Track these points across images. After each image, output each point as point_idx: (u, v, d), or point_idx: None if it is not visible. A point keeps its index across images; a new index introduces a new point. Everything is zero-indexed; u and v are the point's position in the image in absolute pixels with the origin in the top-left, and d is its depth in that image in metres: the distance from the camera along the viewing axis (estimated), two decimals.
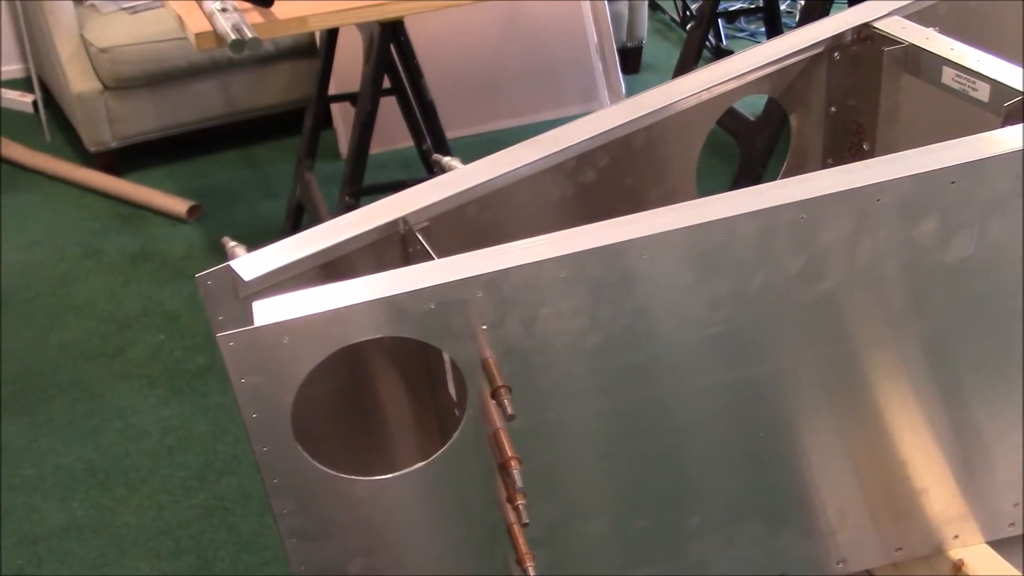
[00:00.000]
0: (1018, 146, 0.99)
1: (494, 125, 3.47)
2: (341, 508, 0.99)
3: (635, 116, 1.15)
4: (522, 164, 1.09)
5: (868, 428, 1.11)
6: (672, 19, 4.33)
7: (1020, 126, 1.02)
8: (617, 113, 1.15)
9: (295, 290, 0.92)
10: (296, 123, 3.11)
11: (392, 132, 3.18)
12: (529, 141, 1.12)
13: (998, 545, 1.22)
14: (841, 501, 1.14)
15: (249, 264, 0.98)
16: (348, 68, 3.03)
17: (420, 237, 1.01)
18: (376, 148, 3.07)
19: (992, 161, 0.98)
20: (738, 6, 4.05)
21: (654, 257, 0.95)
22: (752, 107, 3.03)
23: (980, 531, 1.20)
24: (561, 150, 1.12)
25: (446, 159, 1.10)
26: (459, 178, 1.07)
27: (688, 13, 4.12)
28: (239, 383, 0.90)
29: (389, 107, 2.76)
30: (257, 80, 3.42)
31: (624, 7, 3.76)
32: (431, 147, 2.77)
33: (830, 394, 1.08)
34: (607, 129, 1.14)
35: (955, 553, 1.20)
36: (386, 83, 2.66)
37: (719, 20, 3.67)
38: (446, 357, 1.02)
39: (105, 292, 2.96)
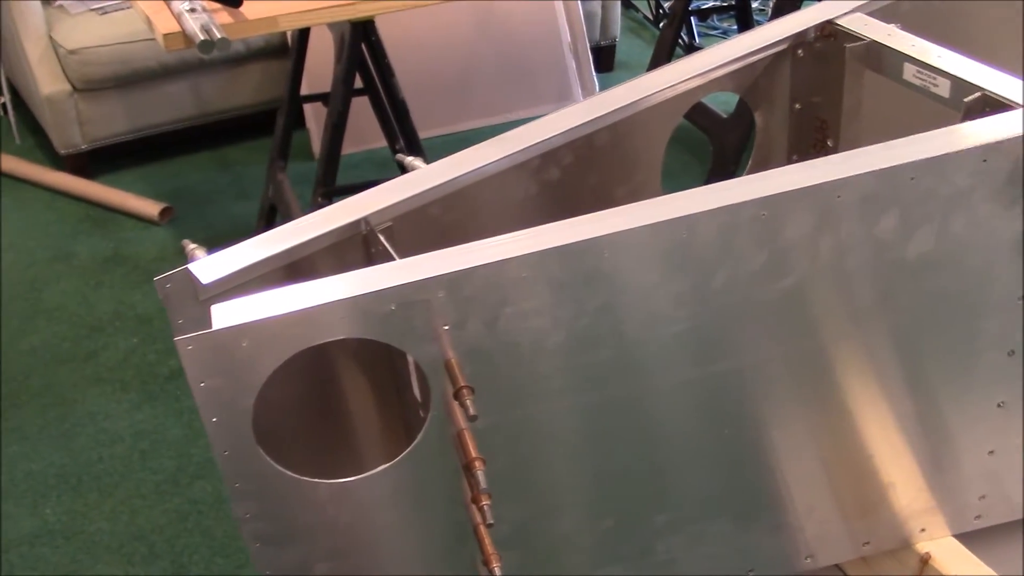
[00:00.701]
0: (977, 142, 0.99)
1: (467, 125, 3.46)
2: (305, 511, 0.98)
3: (599, 114, 1.15)
4: (485, 163, 1.09)
5: (834, 423, 1.11)
6: (645, 17, 4.34)
7: (979, 121, 1.03)
8: (580, 111, 1.15)
9: (257, 292, 0.91)
10: (268, 124, 3.09)
11: (365, 132, 3.17)
12: (492, 140, 1.12)
13: (965, 538, 1.22)
14: (808, 496, 1.15)
15: (208, 267, 0.97)
16: (320, 68, 3.02)
17: (381, 238, 1.00)
18: (349, 148, 3.06)
19: (951, 157, 0.99)
20: (710, 4, 4.06)
21: (616, 256, 0.95)
22: (725, 104, 3.05)
23: (947, 524, 1.21)
24: (524, 148, 1.12)
25: (409, 159, 1.10)
26: (421, 178, 1.06)
27: (661, 11, 4.12)
28: (198, 387, 0.89)
29: (362, 107, 2.74)
30: (229, 81, 3.40)
31: (597, 6, 3.76)
32: (403, 147, 2.76)
33: (796, 390, 1.09)
34: (571, 127, 1.14)
35: (922, 546, 1.20)
36: (359, 83, 2.65)
37: (691, 18, 3.67)
38: (410, 358, 1.01)
39: (76, 296, 2.94)
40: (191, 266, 0.97)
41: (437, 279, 0.91)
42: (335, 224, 1.02)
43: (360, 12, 2.38)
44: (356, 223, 1.03)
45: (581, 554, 1.10)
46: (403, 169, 1.10)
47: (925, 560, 1.20)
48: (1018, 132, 1.00)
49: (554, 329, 0.96)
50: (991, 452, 1.17)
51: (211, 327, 0.87)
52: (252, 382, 0.90)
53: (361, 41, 2.55)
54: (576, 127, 1.14)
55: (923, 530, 1.21)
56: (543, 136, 1.13)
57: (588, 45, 3.67)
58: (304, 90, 2.95)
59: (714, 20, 4.17)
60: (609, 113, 1.16)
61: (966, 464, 1.18)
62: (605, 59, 3.88)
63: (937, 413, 1.14)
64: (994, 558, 1.18)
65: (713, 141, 3.07)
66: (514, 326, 0.95)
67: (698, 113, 3.10)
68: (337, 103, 2.57)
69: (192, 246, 1.01)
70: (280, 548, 0.99)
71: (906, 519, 1.19)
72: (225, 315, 0.88)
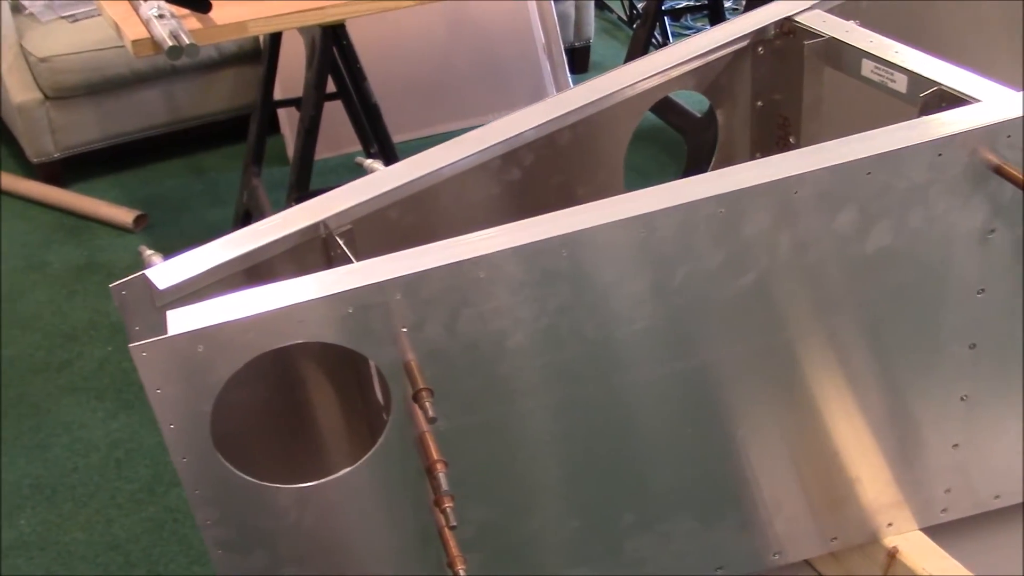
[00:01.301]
0: (932, 136, 1.00)
1: (442, 127, 3.46)
2: (267, 516, 0.97)
3: (559, 113, 1.15)
4: (444, 164, 1.09)
5: (800, 419, 1.12)
6: (619, 18, 4.35)
7: (934, 116, 1.03)
8: (541, 111, 1.15)
9: (214, 297, 0.90)
10: (242, 130, 3.08)
11: (339, 137, 3.16)
12: (452, 141, 1.12)
13: (932, 531, 1.23)
14: (775, 492, 1.15)
15: (165, 272, 0.97)
16: (293, 73, 3.01)
17: (340, 241, 1.00)
18: (324, 153, 3.05)
19: (907, 151, 0.99)
20: (683, 3, 4.07)
21: (574, 255, 0.95)
22: (700, 104, 3.05)
23: (914, 518, 1.21)
24: (485, 149, 1.11)
25: (368, 161, 1.10)
26: (380, 180, 1.06)
27: (634, 12, 4.13)
28: (155, 394, 0.88)
29: (337, 112, 2.74)
30: (202, 87, 3.38)
31: (571, 7, 3.76)
32: (378, 151, 2.76)
33: (761, 387, 1.09)
34: (531, 127, 1.14)
35: (889, 541, 1.21)
36: (332, 87, 2.64)
37: (665, 18, 3.68)
38: (371, 361, 1.01)
39: (50, 305, 2.92)
40: (147, 272, 0.97)
41: (394, 281, 0.90)
42: (293, 228, 1.01)
43: (330, 16, 2.37)
44: (315, 226, 1.02)
45: (548, 555, 1.10)
46: (363, 171, 1.10)
47: (892, 554, 1.20)
48: (973, 126, 1.01)
49: (514, 330, 0.96)
50: (955, 446, 1.18)
51: (167, 333, 0.87)
52: (209, 388, 0.89)
53: (332, 45, 2.54)
54: (537, 127, 1.14)
55: (890, 524, 1.21)
56: (504, 136, 1.12)
57: (562, 46, 3.68)
58: (277, 95, 2.94)
59: (687, 19, 4.19)
60: (570, 112, 1.16)
61: (931, 458, 1.18)
62: (579, 60, 3.88)
63: (901, 407, 1.15)
64: (961, 552, 1.19)
65: (687, 140, 3.08)
66: (473, 327, 0.95)
67: (672, 112, 3.11)
68: (309, 108, 2.56)
69: (149, 252, 1.01)
70: (243, 554, 0.99)
71: (873, 514, 1.20)
72: (180, 321, 0.87)
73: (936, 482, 1.20)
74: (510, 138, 1.12)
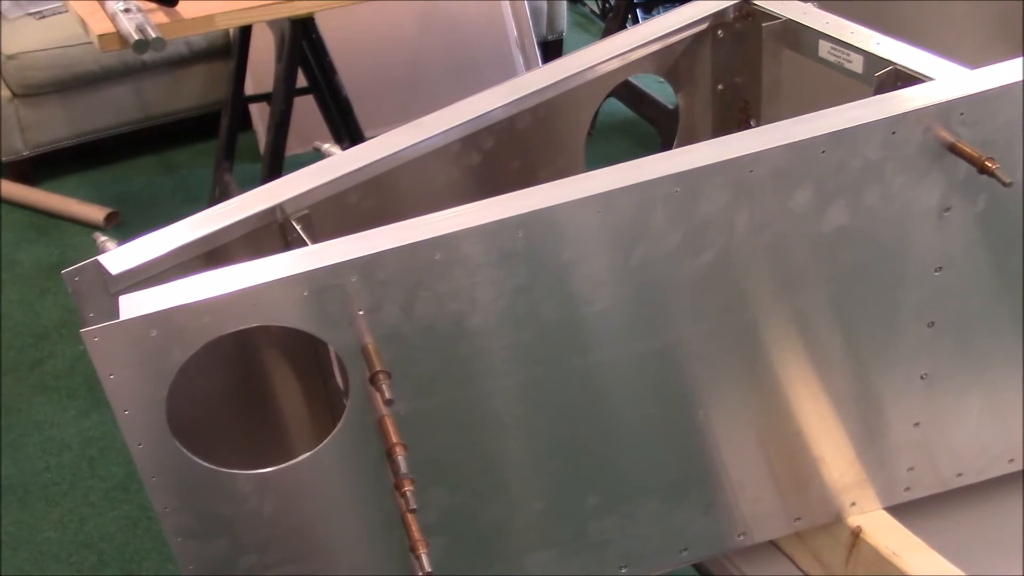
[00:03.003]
0: (885, 114, 1.00)
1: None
2: (226, 503, 0.97)
3: (518, 96, 1.15)
4: (403, 148, 1.08)
5: (761, 399, 1.12)
6: (592, 11, 4.36)
7: (888, 94, 1.04)
8: (500, 94, 1.15)
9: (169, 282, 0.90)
10: (214, 126, 3.07)
11: (312, 132, 3.14)
12: (410, 124, 1.12)
13: (896, 510, 1.24)
14: (738, 473, 1.15)
15: (118, 258, 0.96)
16: (264, 68, 3.00)
17: (296, 225, 1.00)
18: (296, 149, 3.04)
19: (860, 129, 1.00)
20: None
21: (531, 235, 0.94)
22: (672, 96, 3.05)
23: (877, 497, 1.22)
24: (443, 132, 1.11)
25: (325, 145, 1.09)
26: (336, 163, 1.06)
27: (607, 5, 4.14)
28: (108, 379, 0.88)
29: (309, 107, 2.73)
30: (172, 83, 3.37)
31: (543, 1, 3.77)
32: (349, 145, 2.75)
33: (722, 366, 1.09)
34: (490, 110, 1.13)
35: (853, 520, 1.21)
36: (302, 82, 2.64)
37: (637, 10, 3.69)
38: (329, 345, 1.00)
39: (21, 304, 2.90)
40: (100, 257, 0.96)
41: (349, 263, 0.90)
42: (250, 212, 1.01)
43: (298, 9, 2.36)
44: (271, 211, 1.02)
45: (512, 538, 1.10)
46: (320, 156, 1.10)
47: (856, 533, 1.21)
48: (926, 104, 1.01)
49: (472, 311, 0.96)
50: (916, 424, 1.18)
51: (119, 318, 0.86)
52: (164, 373, 0.89)
53: (301, 39, 2.53)
54: (495, 110, 1.14)
55: (854, 504, 1.21)
56: (462, 119, 1.12)
57: (535, 40, 3.68)
58: (248, 90, 2.93)
59: (660, 11, 4.19)
60: (529, 95, 1.16)
61: (893, 437, 1.19)
62: (553, 54, 3.89)
63: (862, 386, 1.15)
64: (926, 530, 1.20)
65: (660, 132, 3.09)
66: (431, 309, 0.94)
67: (645, 104, 3.12)
68: (279, 102, 2.56)
69: (103, 238, 1.00)
70: (203, 542, 0.98)
71: (836, 493, 1.20)
72: (133, 305, 0.87)
73: (899, 461, 1.21)
74: (469, 120, 1.12)
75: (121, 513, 2.26)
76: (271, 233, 1.04)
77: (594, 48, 1.23)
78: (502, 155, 1.17)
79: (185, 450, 0.92)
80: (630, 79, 1.34)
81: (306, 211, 1.03)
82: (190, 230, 1.00)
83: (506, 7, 3.60)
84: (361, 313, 0.92)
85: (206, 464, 0.93)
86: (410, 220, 0.93)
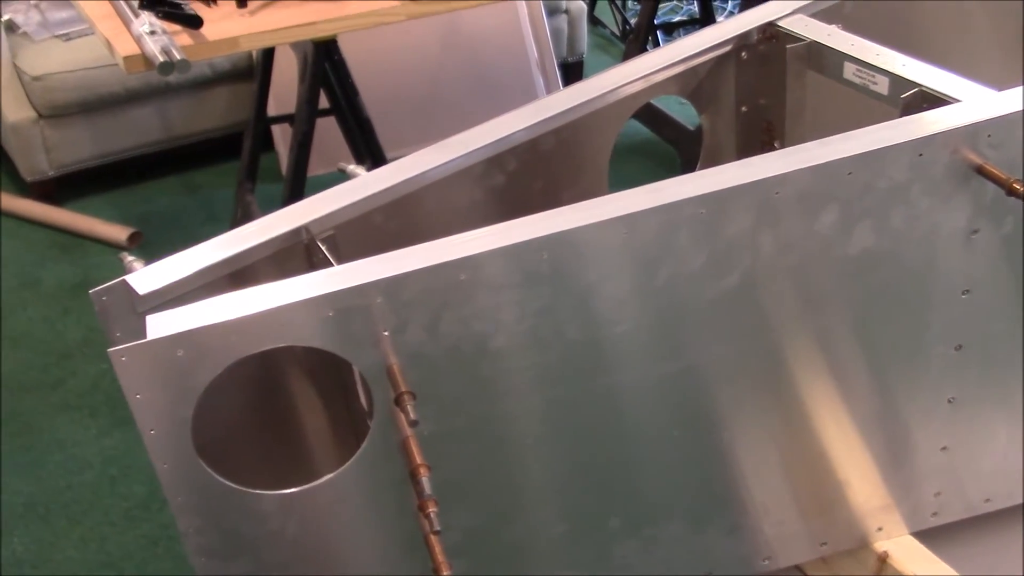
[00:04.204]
0: (912, 135, 1.00)
1: (436, 143, 3.47)
2: (250, 523, 0.97)
3: (542, 118, 1.15)
4: (427, 169, 1.09)
5: (787, 422, 1.11)
6: (612, 33, 4.37)
7: (915, 116, 1.03)
8: (523, 116, 1.15)
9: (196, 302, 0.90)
10: (236, 147, 3.09)
11: (334, 153, 3.16)
12: (435, 146, 1.12)
13: (923, 535, 1.22)
14: (763, 496, 1.14)
15: (145, 278, 0.97)
16: (287, 89, 3.02)
17: (321, 246, 1.00)
18: (318, 170, 3.05)
19: (887, 151, 0.99)
20: (676, 18, 4.09)
21: (555, 256, 0.94)
22: (693, 117, 3.05)
23: (904, 522, 1.21)
24: (468, 154, 1.11)
25: (351, 167, 1.10)
26: (363, 185, 1.06)
27: (627, 27, 4.15)
28: (134, 399, 0.88)
29: (331, 128, 2.74)
30: (195, 104, 3.39)
31: (563, 22, 3.78)
32: (371, 166, 2.76)
33: (746, 388, 1.08)
34: (513, 132, 1.14)
35: (880, 545, 1.20)
36: (324, 103, 2.65)
37: (658, 32, 3.70)
38: (353, 365, 1.00)
39: (43, 323, 2.91)
40: (128, 277, 0.97)
41: (375, 284, 0.90)
42: (275, 232, 1.01)
43: (322, 31, 2.37)
44: (297, 231, 1.02)
45: (536, 560, 1.09)
46: (346, 177, 1.10)
47: (883, 559, 1.20)
48: (954, 125, 1.01)
49: (497, 332, 0.96)
50: (944, 448, 1.17)
51: (146, 337, 0.87)
52: (190, 392, 0.89)
53: (324, 60, 2.55)
54: (519, 131, 1.14)
55: (880, 529, 1.20)
56: (486, 141, 1.12)
57: (556, 62, 3.69)
58: (271, 111, 2.95)
59: (680, 34, 4.20)
60: (553, 116, 1.16)
61: (920, 461, 1.18)
62: (573, 76, 3.90)
63: (888, 410, 1.14)
64: (953, 556, 1.18)
65: (680, 153, 3.09)
66: (456, 330, 0.94)
67: (665, 125, 3.12)
68: (302, 123, 2.57)
69: (130, 258, 1.01)
70: (226, 562, 0.98)
71: (863, 518, 1.19)
72: (160, 325, 0.87)
73: (925, 485, 1.19)
74: (493, 142, 1.12)
75: (142, 532, 2.25)
76: (296, 254, 1.04)
77: (618, 70, 1.23)
78: (526, 176, 1.17)
79: (210, 471, 0.92)
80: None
81: (331, 231, 1.03)
82: (216, 250, 1.00)
83: (527, 29, 3.61)
84: (386, 334, 0.92)
85: (231, 484, 0.93)
86: (435, 241, 0.94)
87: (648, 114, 3.09)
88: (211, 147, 3.54)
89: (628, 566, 1.12)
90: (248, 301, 0.89)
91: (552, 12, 3.69)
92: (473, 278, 0.93)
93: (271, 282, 0.92)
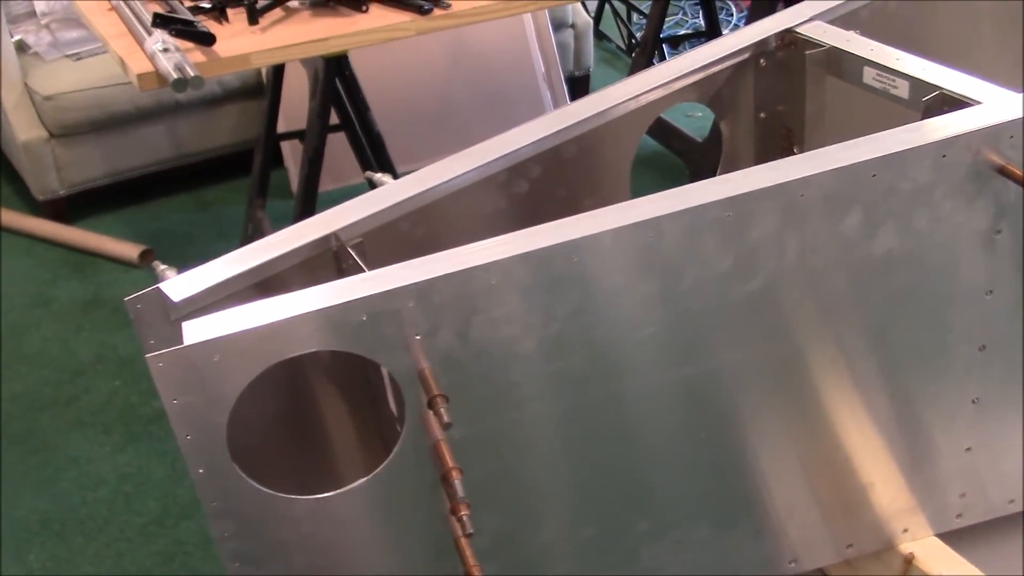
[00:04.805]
0: (935, 137, 1.01)
1: (445, 157, 3.48)
2: (283, 528, 0.97)
3: (564, 126, 1.16)
4: (452, 177, 1.10)
5: (811, 424, 1.12)
6: (618, 47, 4.39)
7: (937, 118, 1.04)
8: (546, 124, 1.16)
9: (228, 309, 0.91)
10: (247, 164, 3.10)
11: (344, 168, 3.18)
12: (459, 154, 1.13)
13: (948, 537, 1.22)
14: (789, 499, 1.15)
15: (179, 285, 0.98)
16: (296, 105, 3.04)
17: (352, 252, 1.01)
18: (329, 185, 3.07)
19: (910, 153, 1.00)
20: (682, 32, 4.12)
21: (583, 260, 0.95)
22: (701, 130, 3.08)
23: (928, 524, 1.21)
24: (491, 161, 1.13)
25: (377, 175, 1.11)
26: (389, 193, 1.07)
27: (633, 41, 4.18)
28: (171, 404, 0.89)
29: (340, 144, 2.76)
30: (206, 122, 3.41)
31: (570, 36, 3.80)
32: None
33: (772, 391, 1.09)
34: (537, 139, 1.15)
35: (905, 547, 1.20)
36: (335, 119, 2.67)
37: (663, 45, 3.72)
38: (384, 370, 1.01)
39: (57, 341, 2.92)
40: (162, 285, 0.97)
41: (406, 288, 0.91)
42: (305, 240, 1.02)
43: (332, 47, 2.39)
44: (326, 239, 1.03)
45: (564, 563, 1.10)
46: (372, 186, 1.11)
47: (909, 560, 1.20)
48: (976, 127, 1.02)
49: (525, 336, 0.97)
50: (968, 449, 1.18)
51: (182, 343, 0.87)
52: (225, 398, 0.89)
53: (335, 76, 2.57)
54: (542, 139, 1.15)
55: (905, 530, 1.21)
56: (510, 148, 1.14)
57: (562, 76, 3.71)
58: (281, 128, 2.96)
59: (686, 47, 4.23)
60: (575, 124, 1.17)
61: (944, 462, 1.18)
62: (579, 90, 3.92)
63: (912, 411, 1.15)
64: (979, 556, 1.18)
65: (690, 165, 3.10)
66: (485, 334, 0.95)
67: (675, 138, 3.13)
68: (313, 139, 2.58)
69: (163, 267, 1.02)
70: (259, 567, 0.99)
71: (888, 520, 1.19)
72: (196, 331, 0.88)
73: (950, 487, 1.20)
74: (516, 150, 1.13)
75: (157, 548, 2.26)
76: (325, 261, 1.05)
77: (638, 78, 1.24)
78: (548, 184, 1.18)
79: (245, 476, 0.93)
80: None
81: (360, 239, 1.04)
82: (247, 258, 1.01)
83: (533, 43, 3.63)
84: (418, 338, 0.93)
85: (265, 490, 0.94)
86: (465, 246, 0.95)
87: (656, 127, 3.10)
88: (221, 164, 3.56)
89: (656, 568, 1.13)
90: (283, 306, 0.90)
91: (558, 26, 3.72)
92: (502, 282, 0.93)
93: (299, 289, 0.93)
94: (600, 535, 1.09)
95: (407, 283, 0.91)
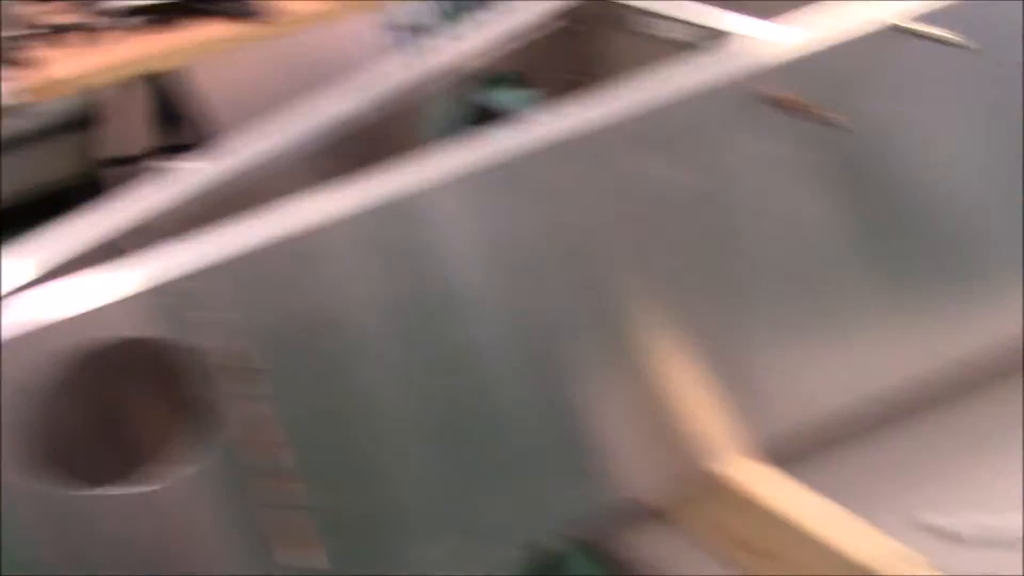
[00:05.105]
0: (717, 75, 1.05)
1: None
2: (95, 529, 0.92)
3: (367, 94, 1.15)
4: (250, 155, 1.07)
5: (629, 362, 1.11)
6: None
7: (716, 57, 1.08)
8: (348, 93, 1.15)
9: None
10: (65, 204, 2.96)
11: None
12: (257, 131, 1.11)
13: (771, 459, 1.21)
14: (616, 436, 1.13)
15: None
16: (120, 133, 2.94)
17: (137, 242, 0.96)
18: None
19: (698, 92, 1.04)
20: None
21: (394, 222, 0.95)
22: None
23: (747, 446, 1.19)
24: (291, 136, 1.10)
25: (168, 164, 1.07)
26: (183, 177, 1.04)
27: None
28: None
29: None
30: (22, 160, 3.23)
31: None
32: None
33: (590, 336, 1.09)
34: (339, 111, 1.13)
35: (725, 469, 1.17)
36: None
37: None
38: (195, 353, 0.97)
39: None
40: None
41: (214, 266, 0.88)
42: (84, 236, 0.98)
43: (156, 65, 2.33)
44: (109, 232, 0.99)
45: (403, 532, 1.06)
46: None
47: (728, 481, 1.18)
48: (761, 62, 1.06)
49: (346, 303, 0.95)
50: (777, 372, 1.19)
51: None
52: (19, 398, 0.84)
53: (165, 96, 2.51)
54: (346, 110, 1.13)
55: (725, 453, 1.19)
56: (312, 123, 1.12)
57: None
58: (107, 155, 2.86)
59: None
60: (380, 94, 1.16)
61: (760, 386, 1.19)
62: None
63: (729, 342, 1.16)
64: (801, 475, 1.18)
65: None
66: (300, 305, 0.93)
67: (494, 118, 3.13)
68: (141, 162, 2.51)
69: None
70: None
71: (710, 445, 1.17)
72: None
73: (765, 410, 1.20)
74: (318, 124, 1.11)
75: None
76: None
77: (453, 45, 1.24)
78: (354, 154, 1.16)
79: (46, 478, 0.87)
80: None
81: (148, 227, 1.00)
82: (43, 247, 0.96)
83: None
84: (229, 315, 0.90)
85: (72, 492, 0.88)
86: (271, 216, 0.92)
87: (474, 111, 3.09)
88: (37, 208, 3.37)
89: (496, 523, 1.09)
90: (73, 294, 0.85)
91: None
92: (314, 250, 0.91)
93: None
94: (434, 495, 1.05)
95: (212, 259, 0.88)
